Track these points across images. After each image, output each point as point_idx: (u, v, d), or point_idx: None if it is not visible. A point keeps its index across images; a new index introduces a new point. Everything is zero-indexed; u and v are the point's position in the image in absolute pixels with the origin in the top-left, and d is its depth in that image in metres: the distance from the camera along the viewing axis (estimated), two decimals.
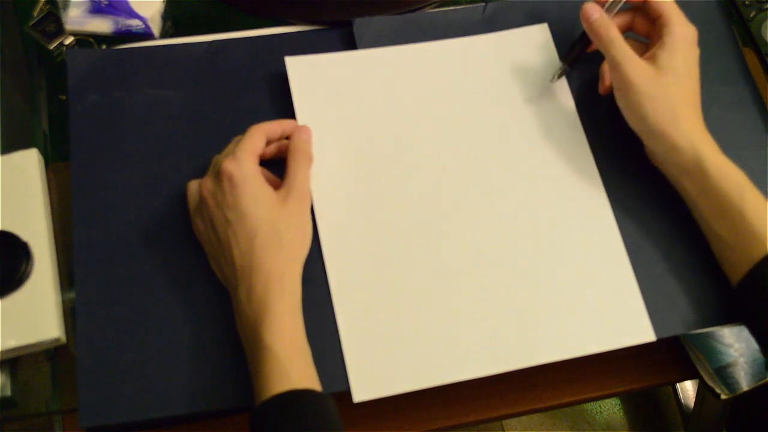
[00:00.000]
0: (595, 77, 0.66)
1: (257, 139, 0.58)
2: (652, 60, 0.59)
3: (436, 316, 0.57)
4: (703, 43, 0.70)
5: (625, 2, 0.63)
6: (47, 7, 0.71)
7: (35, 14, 0.71)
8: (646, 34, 0.64)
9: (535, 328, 0.57)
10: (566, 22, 0.69)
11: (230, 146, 0.59)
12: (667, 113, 0.58)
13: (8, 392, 0.57)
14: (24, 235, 0.59)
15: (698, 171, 0.57)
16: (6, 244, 0.58)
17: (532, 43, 0.68)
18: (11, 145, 0.63)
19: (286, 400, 0.49)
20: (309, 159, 0.60)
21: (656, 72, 0.59)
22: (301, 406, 0.49)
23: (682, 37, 0.59)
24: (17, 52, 0.71)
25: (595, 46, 0.63)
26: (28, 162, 0.62)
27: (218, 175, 0.56)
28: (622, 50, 0.59)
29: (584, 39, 0.64)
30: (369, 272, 0.58)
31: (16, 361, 0.58)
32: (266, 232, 0.54)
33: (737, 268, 0.56)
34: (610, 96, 0.65)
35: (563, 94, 0.67)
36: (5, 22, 0.71)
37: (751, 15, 0.72)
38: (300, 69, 0.65)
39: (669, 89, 0.58)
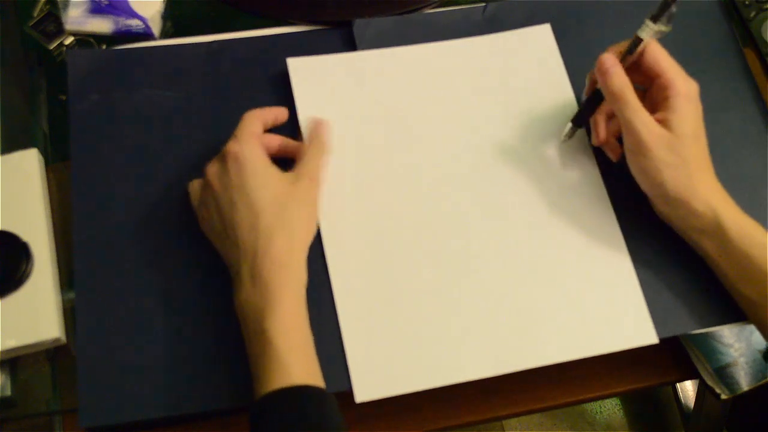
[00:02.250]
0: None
1: (254, 124, 0.58)
2: (664, 124, 0.57)
3: (439, 317, 0.57)
4: (703, 43, 0.70)
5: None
6: (47, 7, 0.71)
7: (35, 14, 0.71)
8: (641, 83, 0.60)
9: (538, 330, 0.57)
10: (567, 22, 0.69)
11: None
12: (684, 180, 0.56)
13: (8, 392, 0.57)
14: (24, 235, 0.59)
15: (718, 233, 0.56)
16: (6, 244, 0.58)
17: (534, 44, 0.68)
18: (11, 145, 0.63)
19: (284, 396, 0.49)
20: (325, 148, 0.60)
21: (671, 137, 0.56)
22: (300, 403, 0.49)
23: (686, 97, 0.57)
24: (17, 52, 0.71)
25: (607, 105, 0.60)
26: (28, 162, 0.62)
27: (223, 158, 0.56)
28: (640, 115, 0.57)
29: (596, 99, 0.61)
30: (371, 272, 0.58)
31: (16, 361, 0.58)
32: (272, 213, 0.54)
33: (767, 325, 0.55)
34: None
35: (566, 96, 0.66)
36: (5, 22, 0.71)
37: (751, 15, 0.72)
38: (302, 70, 0.65)
39: (685, 155, 0.56)
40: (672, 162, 0.56)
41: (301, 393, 0.49)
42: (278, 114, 0.62)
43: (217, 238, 0.56)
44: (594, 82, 0.61)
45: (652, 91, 0.60)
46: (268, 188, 0.55)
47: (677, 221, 0.59)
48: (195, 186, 0.59)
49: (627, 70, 0.58)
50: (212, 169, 0.57)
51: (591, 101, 0.61)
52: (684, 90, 0.57)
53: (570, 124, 0.63)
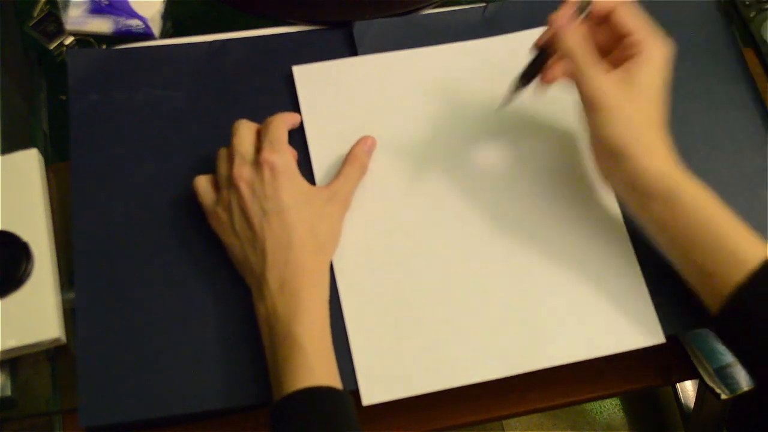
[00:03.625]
0: None
1: (285, 131, 0.59)
2: (625, 76, 0.54)
3: (446, 319, 0.57)
4: (703, 43, 0.70)
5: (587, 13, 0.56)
6: (47, 7, 0.71)
7: (35, 14, 0.71)
8: (606, 48, 0.57)
9: (545, 331, 0.57)
10: None
11: (245, 134, 0.58)
12: (635, 135, 0.53)
13: (8, 392, 0.57)
14: (24, 235, 0.59)
15: (669, 195, 0.53)
16: (6, 244, 0.58)
17: None
18: (11, 145, 0.63)
19: (310, 395, 0.50)
20: (364, 169, 0.61)
21: (627, 90, 0.54)
22: (323, 403, 0.50)
23: (659, 54, 0.55)
24: (17, 52, 0.71)
25: (556, 60, 0.58)
26: (28, 162, 0.62)
27: (258, 165, 0.56)
28: (594, 70, 0.54)
29: (542, 55, 0.58)
30: (377, 276, 0.58)
31: (16, 361, 0.58)
32: (304, 229, 0.55)
33: (716, 294, 0.52)
34: None
35: (572, 97, 0.66)
36: (5, 22, 0.71)
37: (751, 15, 0.72)
38: (307, 77, 0.65)
39: (641, 109, 0.54)
40: (623, 117, 0.53)
41: (325, 393, 0.50)
42: (296, 120, 0.62)
43: (236, 241, 0.56)
44: (543, 42, 0.58)
45: (618, 50, 0.57)
46: (300, 206, 0.55)
47: (622, 182, 0.55)
48: (203, 183, 0.58)
49: (594, 28, 0.56)
50: (243, 172, 0.56)
51: (538, 58, 0.58)
52: (656, 48, 0.55)
53: (516, 84, 0.59)
